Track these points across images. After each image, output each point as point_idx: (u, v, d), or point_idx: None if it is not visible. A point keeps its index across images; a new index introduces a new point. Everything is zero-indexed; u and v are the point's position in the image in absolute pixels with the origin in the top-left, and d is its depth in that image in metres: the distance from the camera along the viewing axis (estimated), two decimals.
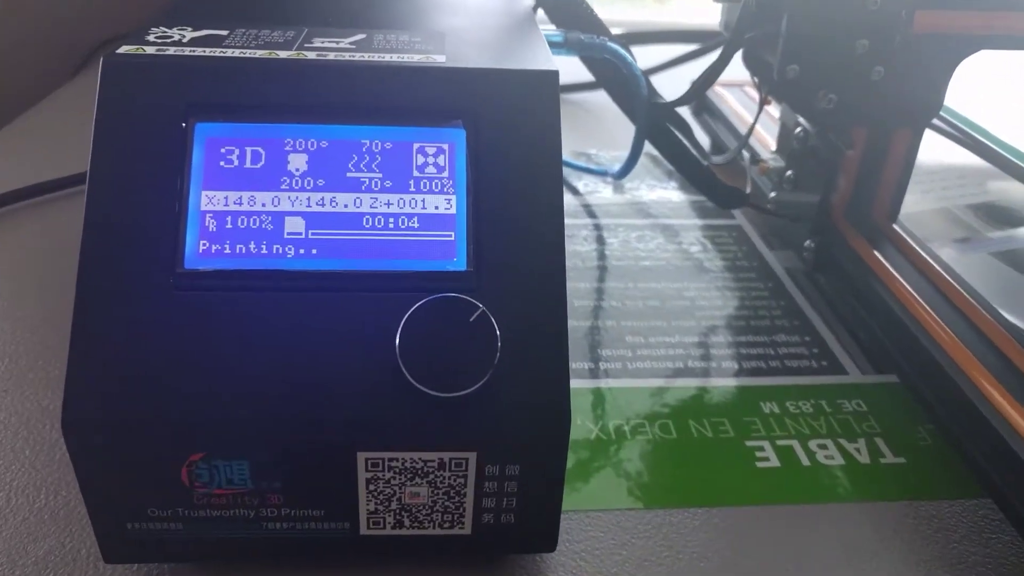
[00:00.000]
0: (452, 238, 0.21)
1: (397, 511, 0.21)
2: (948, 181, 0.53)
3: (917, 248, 0.34)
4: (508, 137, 0.22)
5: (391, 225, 0.21)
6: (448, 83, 0.22)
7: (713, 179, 0.33)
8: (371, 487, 0.21)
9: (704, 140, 0.53)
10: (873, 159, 0.35)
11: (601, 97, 0.36)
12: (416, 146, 0.21)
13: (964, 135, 0.36)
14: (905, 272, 0.33)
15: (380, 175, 0.21)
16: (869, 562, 0.25)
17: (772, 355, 0.34)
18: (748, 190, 0.35)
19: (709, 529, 0.26)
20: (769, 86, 0.29)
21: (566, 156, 0.51)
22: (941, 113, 0.38)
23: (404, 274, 0.21)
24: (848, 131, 0.34)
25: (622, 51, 0.29)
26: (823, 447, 0.29)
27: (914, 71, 0.32)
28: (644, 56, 0.43)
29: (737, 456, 0.28)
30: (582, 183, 0.48)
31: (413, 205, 0.21)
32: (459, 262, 0.21)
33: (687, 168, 0.33)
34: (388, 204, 0.21)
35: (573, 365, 0.32)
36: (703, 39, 0.61)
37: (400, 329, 0.19)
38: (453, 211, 0.21)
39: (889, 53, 0.29)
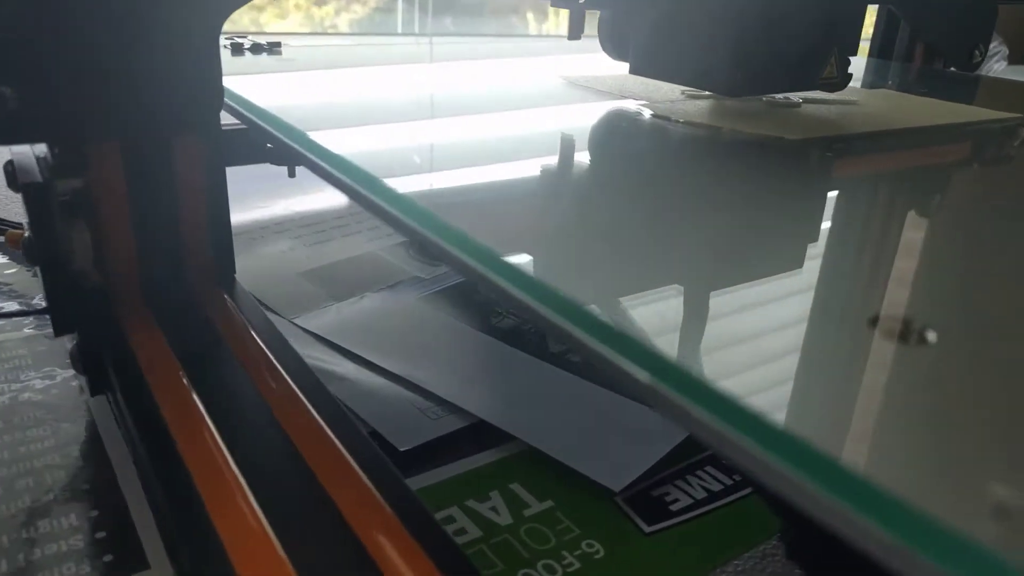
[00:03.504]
0: None
1: None
2: (375, 220, 0.43)
3: (254, 334, 0.21)
4: None
5: None
6: None
7: None
8: None
9: None
10: (144, 188, 0.21)
11: None
12: None
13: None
14: (232, 376, 0.19)
15: None
16: None
17: None
18: None
19: None
20: None
21: None
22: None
23: None
24: (75, 148, 0.19)
25: None
26: None
27: (161, 36, 0.18)
28: None
29: None
30: None
31: None
32: None
33: None
34: None
35: None
36: None
37: None
38: None
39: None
